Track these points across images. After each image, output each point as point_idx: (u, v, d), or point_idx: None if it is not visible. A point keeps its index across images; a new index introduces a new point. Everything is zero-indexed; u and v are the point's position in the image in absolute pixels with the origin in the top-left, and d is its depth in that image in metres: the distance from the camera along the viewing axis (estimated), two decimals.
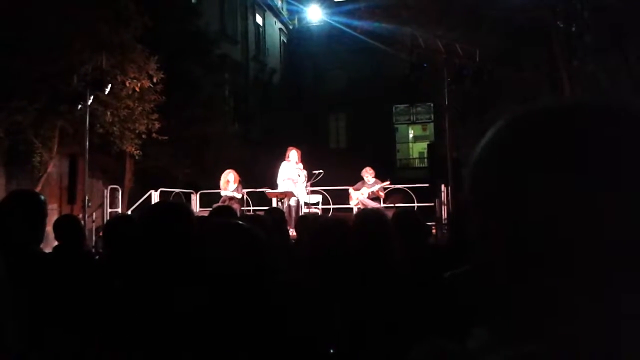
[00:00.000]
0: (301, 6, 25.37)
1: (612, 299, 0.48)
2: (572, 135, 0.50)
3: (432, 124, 23.93)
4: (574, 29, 11.88)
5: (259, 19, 22.85)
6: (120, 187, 11.25)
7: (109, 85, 8.90)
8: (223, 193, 9.36)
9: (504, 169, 0.53)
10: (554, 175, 0.50)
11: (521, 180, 0.51)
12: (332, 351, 1.81)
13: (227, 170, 9.55)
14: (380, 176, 9.89)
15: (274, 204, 9.08)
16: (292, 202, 9.18)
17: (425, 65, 9.75)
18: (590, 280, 0.48)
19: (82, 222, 7.34)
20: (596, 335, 0.47)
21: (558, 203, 0.49)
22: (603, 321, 0.47)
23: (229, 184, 9.38)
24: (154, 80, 10.39)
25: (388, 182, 9.82)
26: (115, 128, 10.26)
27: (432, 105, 22.18)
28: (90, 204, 9.32)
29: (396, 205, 9.62)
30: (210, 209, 7.93)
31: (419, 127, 26.28)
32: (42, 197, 2.38)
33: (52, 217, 5.32)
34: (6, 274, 0.72)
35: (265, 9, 23.35)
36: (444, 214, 9.23)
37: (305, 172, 9.34)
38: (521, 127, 0.55)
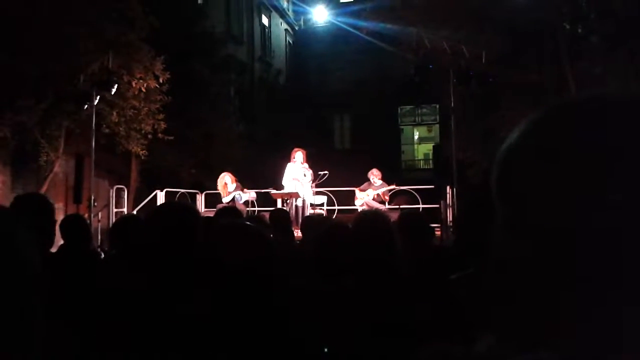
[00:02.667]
0: (307, 7, 25.39)
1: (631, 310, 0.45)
2: (633, 129, 0.47)
3: (437, 126, 23.81)
4: (580, 29, 11.81)
5: (264, 20, 22.86)
6: (126, 186, 11.29)
7: (115, 86, 8.95)
8: (225, 200, 9.16)
9: (547, 158, 0.49)
10: (606, 169, 0.46)
11: (567, 170, 0.47)
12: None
13: (222, 174, 9.37)
14: (385, 177, 9.87)
15: (279, 205, 9.08)
16: (298, 202, 9.16)
17: (430, 66, 9.74)
18: (614, 289, 0.46)
19: (88, 221, 7.37)
20: (608, 346, 0.45)
21: (606, 199, 0.45)
22: (615, 331, 0.46)
23: (227, 186, 9.26)
24: (160, 80, 10.42)
25: (394, 186, 9.79)
26: (121, 128, 10.30)
27: (437, 106, 22.08)
28: (96, 203, 9.35)
29: (401, 206, 9.61)
30: (215, 209, 7.94)
31: (424, 128, 26.18)
32: (51, 201, 2.40)
33: (58, 216, 5.33)
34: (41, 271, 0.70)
35: (271, 9, 23.36)
36: (449, 216, 9.21)
37: (311, 172, 9.30)
38: (575, 116, 0.50)
